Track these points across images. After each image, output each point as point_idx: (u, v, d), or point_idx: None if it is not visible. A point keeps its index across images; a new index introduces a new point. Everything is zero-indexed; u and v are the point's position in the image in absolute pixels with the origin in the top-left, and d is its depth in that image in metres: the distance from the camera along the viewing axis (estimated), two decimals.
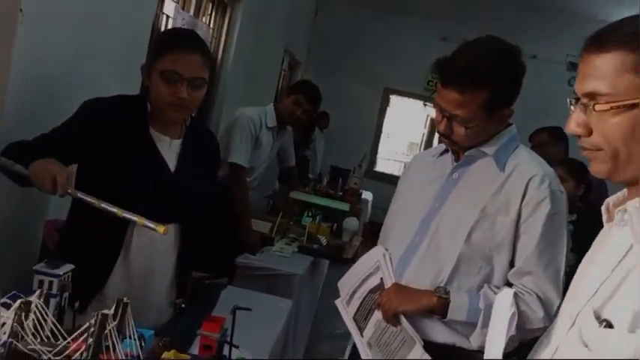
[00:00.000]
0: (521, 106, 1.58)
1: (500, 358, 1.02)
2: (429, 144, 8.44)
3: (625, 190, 0.94)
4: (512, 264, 1.46)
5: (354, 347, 1.61)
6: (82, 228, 1.59)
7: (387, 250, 1.56)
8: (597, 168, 0.91)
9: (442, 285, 1.46)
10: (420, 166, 1.69)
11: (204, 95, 1.66)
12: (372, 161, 8.18)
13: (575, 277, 1.02)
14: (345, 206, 3.88)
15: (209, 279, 2.24)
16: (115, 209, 1.40)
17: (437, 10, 7.20)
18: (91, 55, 2.07)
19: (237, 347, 1.30)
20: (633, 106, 0.84)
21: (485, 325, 1.36)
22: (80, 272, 1.37)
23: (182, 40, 1.61)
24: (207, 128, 1.96)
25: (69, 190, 1.38)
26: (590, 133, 0.89)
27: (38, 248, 1.90)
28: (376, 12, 7.53)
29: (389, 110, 8.35)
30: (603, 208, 0.97)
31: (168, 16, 3.10)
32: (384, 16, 7.52)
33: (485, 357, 1.10)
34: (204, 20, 3.73)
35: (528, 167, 1.48)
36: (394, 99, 8.36)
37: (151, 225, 1.40)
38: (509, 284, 1.45)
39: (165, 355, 1.27)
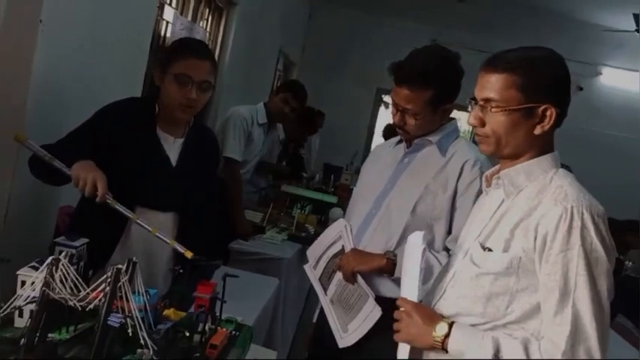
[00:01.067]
0: None
1: (416, 288, 1.33)
2: None
3: (498, 165, 1.38)
4: (449, 232, 1.75)
5: (322, 311, 1.88)
6: (89, 214, 1.79)
7: (348, 222, 1.84)
8: (484, 148, 1.35)
9: (392, 249, 1.73)
10: (379, 154, 2.00)
11: None
12: (364, 159, 8.37)
13: (462, 231, 1.46)
14: (333, 199, 4.12)
15: (204, 261, 2.47)
16: (149, 228, 1.61)
17: (428, 12, 7.43)
18: (99, 59, 2.28)
19: (225, 302, 1.53)
20: (513, 110, 1.27)
21: (426, 281, 1.65)
22: (88, 251, 1.57)
23: (195, 48, 1.86)
24: (208, 129, 2.18)
25: (108, 200, 1.57)
26: (483, 125, 1.31)
27: (52, 231, 2.13)
28: (368, 14, 7.74)
29: (381, 110, 8.57)
30: (483, 178, 1.44)
31: (167, 22, 3.32)
32: (376, 18, 7.74)
33: (402, 289, 1.38)
34: (201, 25, 3.95)
35: (464, 153, 1.77)
36: (387, 99, 8.57)
37: (181, 249, 1.62)
38: (446, 249, 1.73)
39: (166, 312, 1.52)
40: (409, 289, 1.36)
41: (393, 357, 1.66)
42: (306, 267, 1.97)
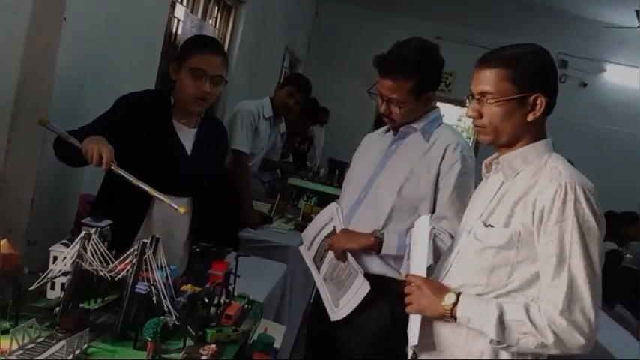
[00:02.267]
0: None
1: (425, 265, 1.45)
2: None
3: (496, 154, 1.52)
4: (433, 212, 1.88)
5: (317, 290, 2.02)
6: (111, 200, 1.94)
7: (339, 205, 2.00)
8: (483, 137, 1.48)
9: (379, 229, 1.87)
10: (369, 143, 2.14)
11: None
12: None
13: (465, 214, 1.60)
14: (337, 191, 4.22)
15: (216, 248, 2.60)
16: (147, 188, 1.70)
17: (432, 9, 7.54)
18: (116, 55, 2.39)
19: (239, 276, 1.66)
20: (507, 101, 1.40)
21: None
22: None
23: (209, 44, 2.00)
24: (217, 120, 2.32)
25: (112, 167, 1.69)
26: (481, 116, 1.45)
27: (73, 218, 2.25)
28: (373, 11, 7.83)
29: None
30: (483, 165, 1.55)
31: (179, 20, 3.45)
32: (382, 15, 7.83)
33: (411, 267, 1.51)
34: (210, 22, 4.08)
35: (447, 138, 1.91)
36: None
37: (174, 206, 1.71)
38: None
39: (183, 287, 1.65)
40: (418, 266, 1.50)
41: (379, 329, 1.82)
42: (301, 248, 2.13)
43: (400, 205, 1.88)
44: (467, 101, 1.49)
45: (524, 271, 1.37)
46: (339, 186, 5.15)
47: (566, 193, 1.32)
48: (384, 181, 1.93)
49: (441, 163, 1.87)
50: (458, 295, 1.40)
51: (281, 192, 3.87)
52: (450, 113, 8.13)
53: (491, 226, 1.42)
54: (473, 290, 1.42)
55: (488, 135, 1.46)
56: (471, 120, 1.48)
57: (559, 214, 1.31)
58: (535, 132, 1.45)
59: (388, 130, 2.05)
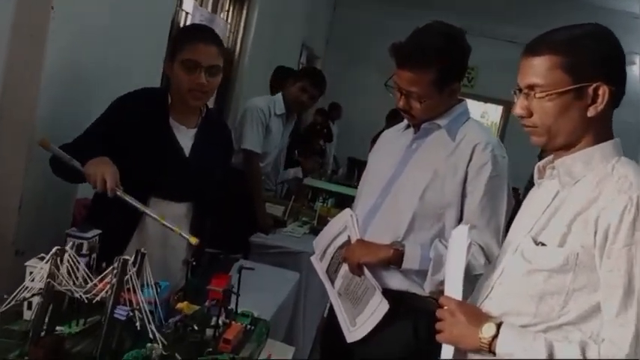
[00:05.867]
0: None
1: (461, 285, 1.22)
2: None
3: (552, 156, 1.28)
4: (460, 221, 1.65)
5: (331, 305, 1.82)
6: (104, 206, 1.75)
7: (353, 212, 1.78)
8: (535, 139, 1.24)
9: (399, 239, 1.66)
10: (387, 140, 1.90)
11: (224, 90, 1.86)
12: None
13: (512, 225, 1.34)
14: (355, 192, 4.04)
15: (224, 255, 2.43)
16: (156, 216, 1.60)
17: (456, 2, 7.30)
18: (117, 49, 2.25)
19: (239, 295, 1.48)
20: (561, 94, 1.16)
21: (436, 272, 1.59)
22: (102, 243, 1.55)
23: (200, 33, 1.84)
24: (220, 119, 2.15)
25: (118, 193, 1.56)
26: (530, 114, 1.21)
27: (69, 223, 2.11)
28: (393, 5, 7.63)
29: None
30: (535, 169, 1.31)
31: (187, 13, 3.29)
32: (401, 9, 7.62)
33: (445, 287, 1.29)
34: (221, 16, 3.92)
35: (475, 136, 1.67)
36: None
37: (186, 236, 1.59)
38: None
39: (179, 305, 1.47)
40: (453, 287, 1.27)
41: (400, 350, 1.59)
42: (313, 258, 1.91)
43: (423, 212, 1.66)
44: (514, 97, 1.23)
45: (581, 301, 1.12)
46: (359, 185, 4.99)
47: (637, 209, 1.08)
48: (404, 185, 1.71)
49: (468, 165, 1.64)
50: (499, 325, 1.16)
51: (296, 193, 3.68)
52: (472, 109, 7.89)
53: (543, 245, 1.18)
54: (518, 320, 1.18)
55: (540, 136, 1.21)
56: (519, 119, 1.23)
57: (628, 234, 1.07)
58: (599, 130, 1.20)
59: (409, 126, 1.82)
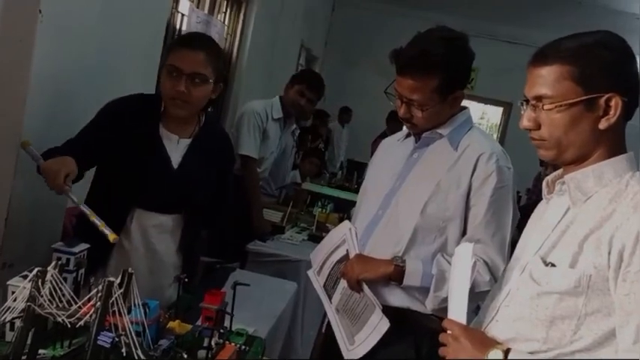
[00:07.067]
0: None
1: (465, 307, 1.16)
2: None
3: (561, 170, 1.21)
4: (463, 235, 1.58)
5: (329, 321, 1.75)
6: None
7: (352, 225, 1.71)
8: (544, 153, 1.17)
9: (400, 254, 1.59)
10: (386, 149, 1.83)
11: (221, 92, 1.79)
12: None
13: (519, 243, 1.26)
14: (355, 197, 3.96)
15: (220, 264, 2.36)
16: (87, 210, 1.52)
17: (454, 2, 7.23)
18: (110, 53, 2.18)
19: (233, 316, 1.41)
20: (571, 105, 1.10)
21: (438, 289, 1.53)
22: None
23: (188, 38, 1.77)
24: (220, 130, 2.03)
25: (65, 188, 1.49)
26: (538, 127, 1.15)
27: (60, 232, 2.04)
28: (392, 5, 7.58)
29: None
30: (544, 184, 1.23)
31: (183, 15, 3.22)
32: (401, 10, 7.57)
33: (449, 309, 1.22)
34: (219, 18, 3.85)
35: (479, 145, 1.60)
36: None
37: (107, 231, 1.49)
38: None
39: (170, 324, 1.40)
40: (457, 309, 1.20)
41: None
42: (310, 272, 1.84)
43: (425, 225, 1.59)
44: (521, 108, 1.17)
45: (595, 326, 1.05)
46: (359, 188, 4.90)
47: None
48: (404, 197, 1.64)
49: (472, 176, 1.57)
50: (506, 352, 1.09)
51: (294, 198, 3.61)
52: (472, 111, 7.80)
53: (553, 265, 1.11)
54: (526, 347, 1.11)
55: (549, 150, 1.15)
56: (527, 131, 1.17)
57: None
58: (611, 143, 1.13)
59: (408, 135, 1.75)
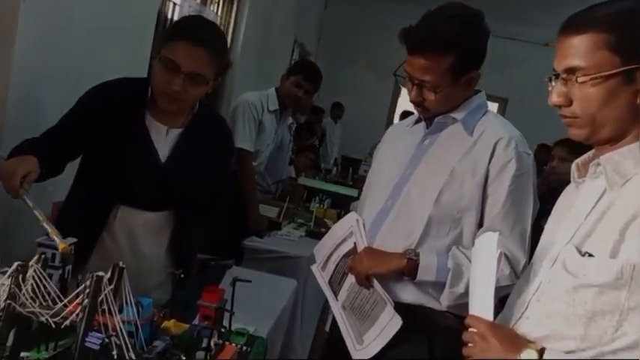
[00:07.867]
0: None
1: (492, 302, 1.06)
2: None
3: (592, 151, 1.10)
4: (480, 226, 1.48)
5: (334, 319, 1.64)
6: (68, 209, 1.65)
7: (360, 216, 1.60)
8: (575, 132, 1.06)
9: (413, 247, 1.49)
10: (395, 136, 1.73)
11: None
12: None
13: (544, 233, 1.16)
14: (353, 192, 3.88)
15: (214, 260, 2.26)
16: (40, 215, 1.33)
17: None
18: (98, 41, 2.10)
19: (233, 313, 1.31)
20: (608, 77, 0.99)
21: (454, 284, 1.43)
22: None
23: (189, 29, 1.53)
24: (218, 118, 1.82)
25: (19, 192, 1.33)
26: (570, 103, 1.04)
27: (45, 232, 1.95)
28: (386, 2, 7.50)
29: (400, 100, 8.33)
30: (574, 167, 1.13)
31: (175, 4, 3.12)
32: (395, 6, 7.48)
33: (471, 304, 1.12)
34: (212, 8, 3.75)
35: (496, 130, 1.51)
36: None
37: (57, 240, 1.29)
38: None
39: (165, 323, 1.30)
40: (481, 304, 1.09)
41: None
42: (314, 268, 1.72)
43: (439, 216, 1.48)
44: (549, 84, 1.08)
45: (639, 321, 0.95)
46: (354, 185, 4.83)
47: None
48: (416, 186, 1.53)
49: (489, 163, 1.47)
50: (541, 352, 0.98)
51: (290, 193, 3.51)
52: None
53: (590, 255, 0.99)
54: (562, 345, 1.00)
55: (581, 128, 1.04)
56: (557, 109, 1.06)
57: None
58: None
59: (419, 121, 1.64)
